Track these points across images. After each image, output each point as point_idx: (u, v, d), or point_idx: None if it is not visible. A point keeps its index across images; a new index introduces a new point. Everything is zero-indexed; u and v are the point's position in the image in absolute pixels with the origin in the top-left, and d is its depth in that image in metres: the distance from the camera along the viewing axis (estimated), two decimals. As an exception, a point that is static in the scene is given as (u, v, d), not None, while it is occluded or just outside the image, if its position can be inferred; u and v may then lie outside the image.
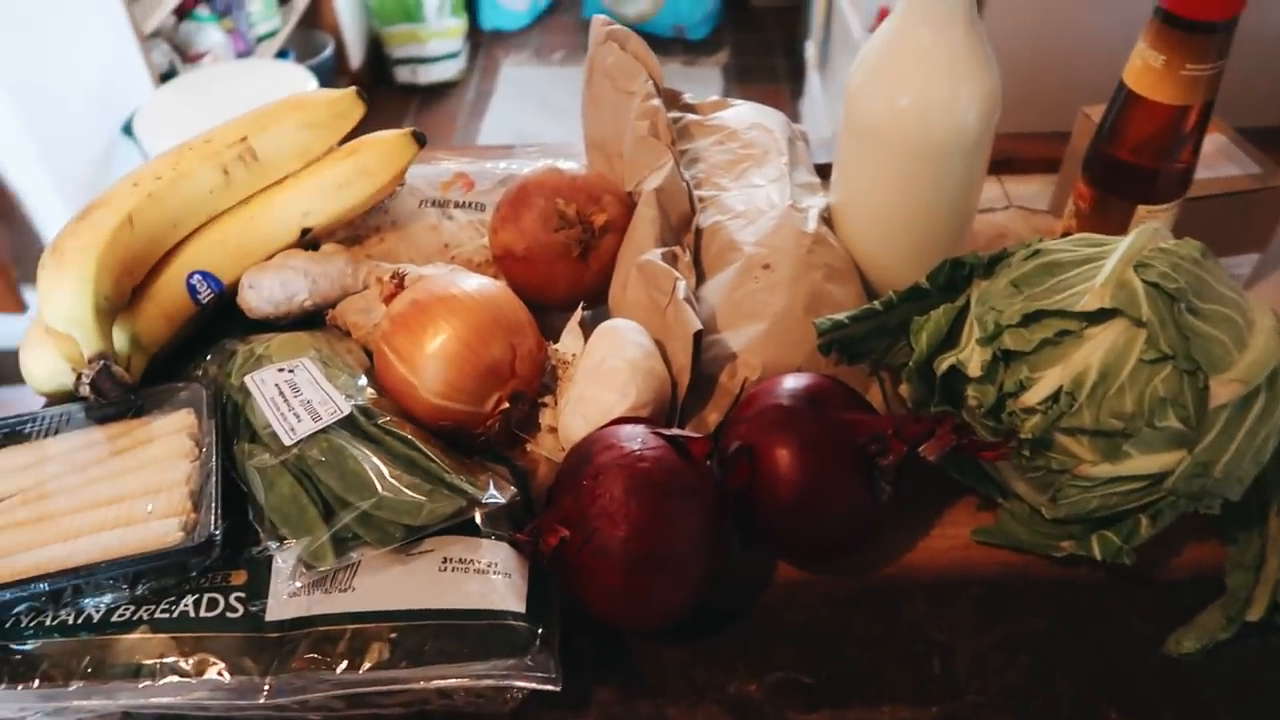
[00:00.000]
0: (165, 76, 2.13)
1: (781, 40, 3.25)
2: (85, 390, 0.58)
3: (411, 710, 0.50)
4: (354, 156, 0.73)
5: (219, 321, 0.71)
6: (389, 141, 0.74)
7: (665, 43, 3.21)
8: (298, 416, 0.56)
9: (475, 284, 0.61)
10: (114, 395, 0.59)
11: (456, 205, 0.78)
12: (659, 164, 0.72)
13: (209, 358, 0.65)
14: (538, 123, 2.90)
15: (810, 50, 2.26)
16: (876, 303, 0.60)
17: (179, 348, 0.69)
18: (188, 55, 2.24)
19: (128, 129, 1.97)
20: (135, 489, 0.54)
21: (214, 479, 0.54)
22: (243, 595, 0.51)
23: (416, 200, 0.79)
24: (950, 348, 0.57)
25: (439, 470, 0.54)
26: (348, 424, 0.56)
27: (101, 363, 0.58)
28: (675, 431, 0.54)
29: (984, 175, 0.69)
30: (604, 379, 0.59)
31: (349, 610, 0.49)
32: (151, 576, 0.51)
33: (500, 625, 0.49)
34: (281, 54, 2.54)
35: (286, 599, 0.50)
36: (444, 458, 0.55)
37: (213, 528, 0.51)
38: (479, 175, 0.81)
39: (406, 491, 0.52)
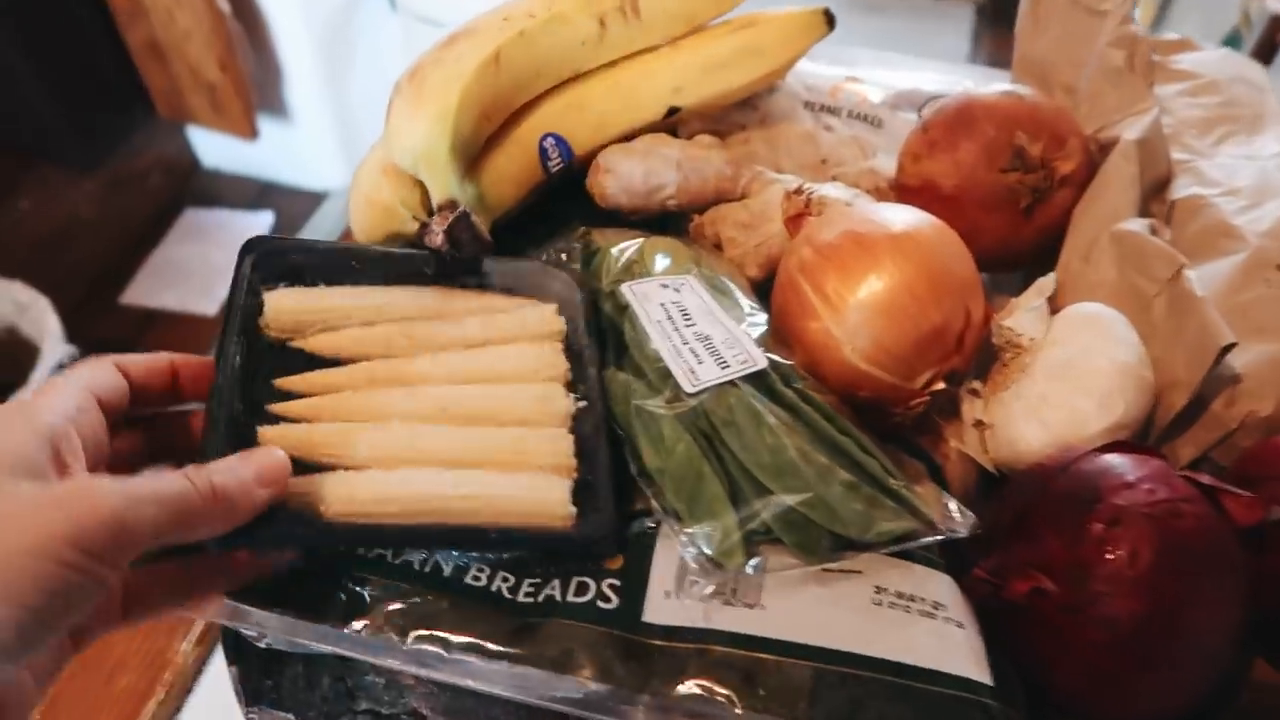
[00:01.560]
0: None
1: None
2: (436, 239, 0.47)
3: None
4: (747, 31, 0.59)
5: (552, 201, 0.60)
6: (794, 19, 0.60)
7: (912, -31, 2.90)
8: (696, 355, 0.43)
9: (913, 220, 0.47)
10: (471, 250, 0.48)
11: (849, 115, 0.64)
12: (1138, 108, 0.56)
13: (562, 241, 0.54)
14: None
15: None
16: None
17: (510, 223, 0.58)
18: (447, -98, 2.13)
19: (381, -29, 1.89)
20: (504, 410, 0.42)
21: (603, 434, 0.42)
22: (617, 584, 0.39)
23: (792, 99, 0.65)
24: None
25: (879, 470, 0.41)
26: (757, 381, 0.43)
27: (459, 209, 0.47)
28: (1210, 480, 0.40)
29: None
30: (1082, 380, 0.44)
31: (757, 634, 0.37)
32: (529, 554, 0.40)
33: (965, 700, 0.36)
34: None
35: (674, 600, 0.39)
36: (881, 451, 0.42)
37: (613, 512, 0.39)
38: (874, 86, 0.66)
39: (842, 491, 0.39)
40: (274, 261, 0.45)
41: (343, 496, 0.37)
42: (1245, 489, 0.43)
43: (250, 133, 1.76)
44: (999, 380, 0.48)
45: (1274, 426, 0.46)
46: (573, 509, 0.39)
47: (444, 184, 0.49)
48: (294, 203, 1.93)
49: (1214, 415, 0.48)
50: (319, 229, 1.87)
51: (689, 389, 0.42)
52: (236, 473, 0.34)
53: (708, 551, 0.38)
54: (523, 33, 0.54)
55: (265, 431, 0.40)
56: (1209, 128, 0.61)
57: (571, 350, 0.45)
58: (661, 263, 0.50)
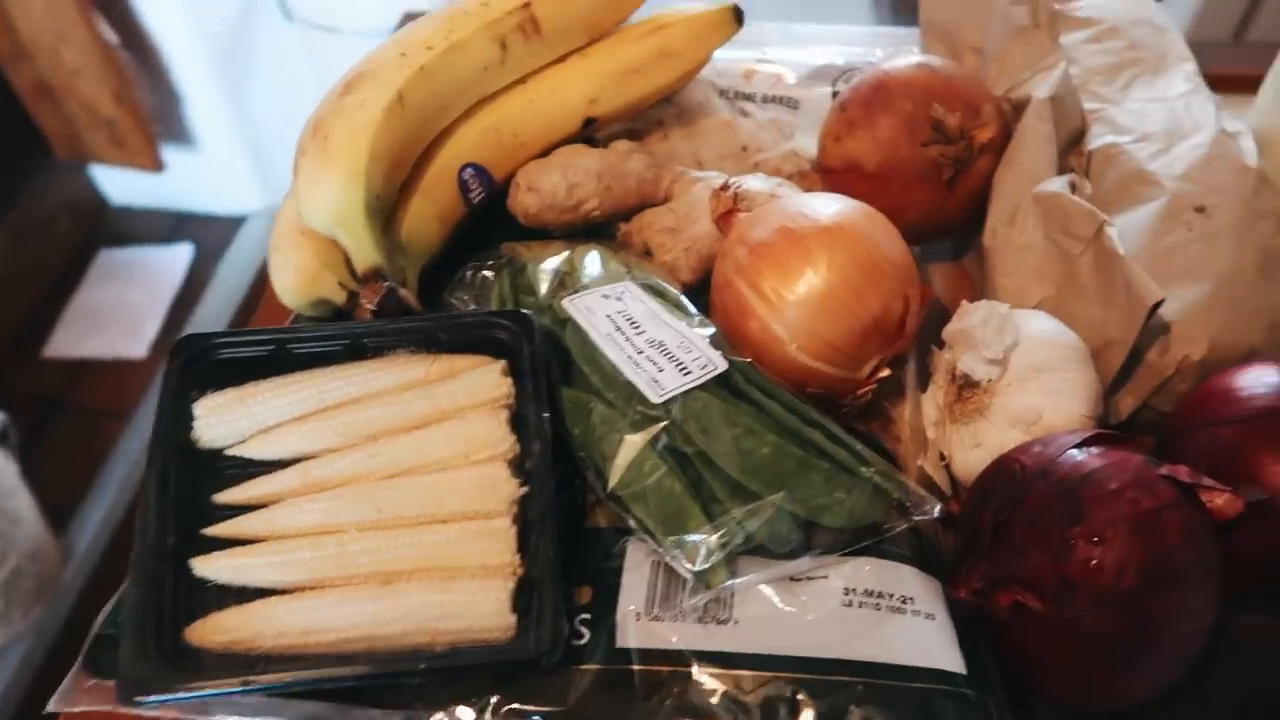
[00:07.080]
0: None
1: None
2: (365, 314, 0.46)
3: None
4: (657, 35, 0.59)
5: (471, 223, 0.58)
6: (702, 20, 0.59)
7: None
8: (655, 364, 0.43)
9: (842, 209, 0.47)
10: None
11: (765, 100, 0.64)
12: (1045, 64, 0.57)
13: (489, 264, 0.53)
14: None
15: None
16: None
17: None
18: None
19: (270, -20, 1.83)
20: (442, 504, 0.41)
21: (549, 520, 0.39)
22: (589, 617, 0.39)
23: (706, 90, 0.64)
24: None
25: (849, 459, 0.41)
26: (720, 383, 0.43)
27: (385, 284, 0.46)
28: (1189, 476, 0.39)
29: None
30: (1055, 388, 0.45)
31: (736, 650, 0.38)
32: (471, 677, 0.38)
33: (944, 692, 0.37)
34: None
35: (644, 622, 0.39)
36: (849, 439, 0.42)
37: (558, 619, 0.37)
38: (786, 66, 0.65)
39: (820, 481, 0.40)
40: (202, 362, 0.45)
41: (275, 631, 0.38)
42: (1182, 438, 0.44)
43: (155, 165, 1.71)
44: (956, 411, 0.48)
45: (1208, 369, 0.48)
46: (512, 619, 0.38)
47: (365, 249, 0.47)
48: (211, 231, 1.87)
49: (1150, 365, 0.49)
50: (240, 255, 1.83)
51: (655, 399, 0.41)
52: None
53: (690, 570, 0.38)
54: (423, 68, 0.52)
55: (199, 564, 0.40)
56: (1115, 73, 0.61)
57: (518, 418, 0.44)
58: (592, 270, 0.49)
